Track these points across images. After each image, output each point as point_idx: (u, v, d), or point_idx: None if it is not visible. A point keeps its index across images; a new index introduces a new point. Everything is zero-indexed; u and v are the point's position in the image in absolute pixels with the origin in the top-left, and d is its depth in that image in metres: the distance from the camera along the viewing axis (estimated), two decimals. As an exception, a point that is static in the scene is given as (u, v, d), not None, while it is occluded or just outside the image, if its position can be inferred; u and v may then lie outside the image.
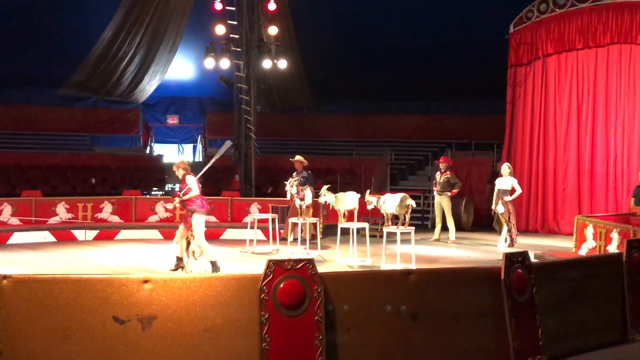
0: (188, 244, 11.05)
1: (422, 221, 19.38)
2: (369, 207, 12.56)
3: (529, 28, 18.57)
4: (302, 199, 13.19)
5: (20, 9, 25.97)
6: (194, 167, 13.07)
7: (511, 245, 14.25)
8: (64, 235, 15.72)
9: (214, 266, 10.82)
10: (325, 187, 12.97)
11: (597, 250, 11.48)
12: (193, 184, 10.85)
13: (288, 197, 13.74)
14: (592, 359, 6.77)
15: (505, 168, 14.74)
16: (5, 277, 5.47)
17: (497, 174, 18.98)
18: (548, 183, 18.02)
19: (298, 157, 14.44)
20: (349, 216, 12.66)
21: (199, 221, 10.83)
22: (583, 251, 12.05)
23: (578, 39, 17.49)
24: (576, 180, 17.51)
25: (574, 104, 17.69)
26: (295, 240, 13.72)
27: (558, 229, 17.60)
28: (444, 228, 15.73)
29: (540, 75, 18.35)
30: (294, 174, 14.21)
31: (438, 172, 15.92)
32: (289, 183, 13.41)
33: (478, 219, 18.83)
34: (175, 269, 11.01)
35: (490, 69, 22.14)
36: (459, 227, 17.03)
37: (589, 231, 11.97)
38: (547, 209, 17.98)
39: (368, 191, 12.85)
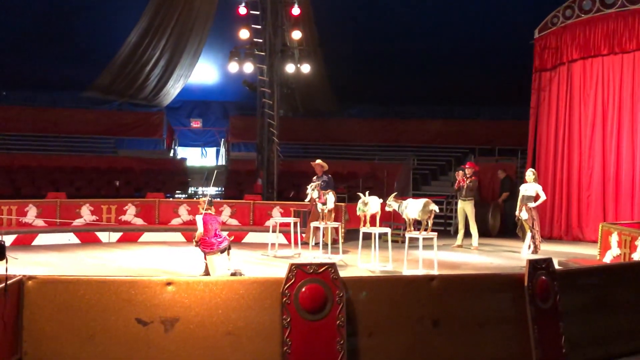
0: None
1: (445, 227, 19.29)
2: (388, 209, 12.50)
3: (554, 33, 18.43)
4: (324, 204, 13.17)
5: (47, 13, 26.27)
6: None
7: (535, 252, 14.10)
8: (88, 237, 15.84)
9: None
10: (392, 195, 12.74)
11: (621, 258, 11.37)
12: (199, 223, 10.95)
13: (307, 200, 13.71)
14: (616, 367, 6.72)
15: (529, 174, 14.60)
16: (30, 278, 5.54)
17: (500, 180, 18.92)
18: (572, 190, 17.85)
19: (318, 161, 14.41)
20: (371, 221, 12.61)
21: (210, 261, 10.89)
22: (607, 259, 11.93)
23: (604, 45, 17.32)
24: (601, 187, 17.32)
25: (599, 110, 17.50)
26: (317, 244, 13.72)
27: (582, 236, 17.42)
28: (467, 234, 15.65)
29: (565, 80, 18.19)
30: (314, 178, 14.20)
31: (464, 177, 15.81)
32: (310, 187, 13.39)
33: (503, 225, 18.70)
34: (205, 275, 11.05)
35: (514, 74, 22.02)
36: (486, 232, 16.96)
37: (614, 238, 11.86)
38: (572, 215, 17.81)
39: (393, 195, 12.73)
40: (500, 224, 18.51)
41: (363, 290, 5.89)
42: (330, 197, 13.15)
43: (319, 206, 13.27)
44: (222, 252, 11.02)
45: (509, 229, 17.95)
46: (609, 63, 17.33)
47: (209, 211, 11.16)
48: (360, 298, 5.82)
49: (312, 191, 13.30)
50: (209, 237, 10.91)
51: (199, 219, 11.00)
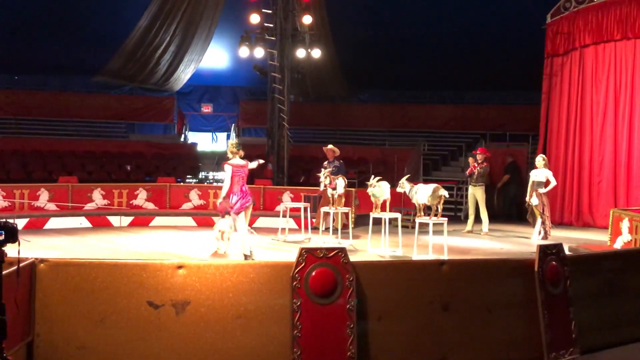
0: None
1: (455, 212, 19.29)
2: (399, 190, 12.49)
3: (567, 18, 18.32)
4: (334, 189, 13.18)
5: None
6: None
7: (545, 237, 14.11)
8: (99, 221, 15.93)
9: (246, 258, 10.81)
10: (405, 177, 12.74)
11: (632, 243, 11.34)
12: (226, 175, 10.73)
13: (322, 188, 13.76)
14: (626, 352, 6.72)
15: (539, 160, 14.58)
16: (42, 260, 5.57)
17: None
18: (583, 175, 17.79)
19: (330, 146, 14.44)
20: (381, 206, 12.61)
21: (236, 218, 10.84)
22: (618, 244, 11.90)
23: (616, 30, 17.20)
24: (612, 173, 17.26)
25: (611, 95, 17.41)
26: (327, 229, 13.75)
27: (593, 222, 17.39)
28: (477, 219, 15.63)
29: (577, 66, 18.10)
30: (325, 163, 14.21)
31: (475, 163, 15.78)
32: (323, 174, 13.44)
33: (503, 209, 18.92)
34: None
35: (525, 59, 21.88)
36: (492, 215, 17.12)
37: (625, 224, 11.83)
38: (582, 201, 17.76)
39: (406, 177, 12.69)
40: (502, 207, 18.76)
41: (373, 278, 5.89)
42: (340, 182, 13.16)
43: (329, 191, 13.29)
44: (247, 208, 10.95)
45: (508, 213, 18.22)
46: (622, 48, 17.22)
47: (237, 160, 10.86)
48: (370, 282, 5.83)
49: (324, 179, 13.34)
50: (234, 192, 10.71)
51: (227, 169, 10.71)
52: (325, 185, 13.39)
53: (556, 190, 16.08)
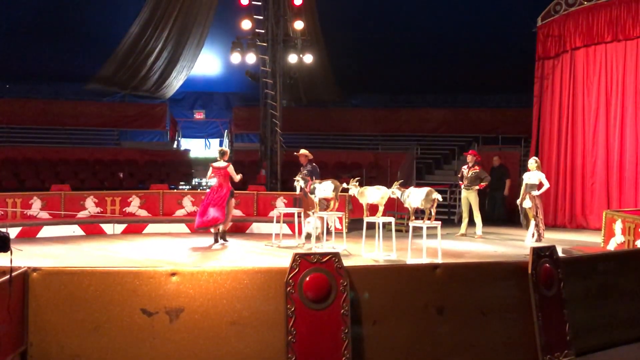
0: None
1: (449, 216, 19.30)
2: (392, 196, 12.46)
3: (557, 21, 18.39)
4: (312, 192, 13.14)
5: (49, 4, 26.22)
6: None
7: (538, 240, 14.13)
8: (92, 229, 15.86)
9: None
10: (396, 182, 12.73)
11: (625, 245, 11.36)
12: (208, 173, 13.33)
13: (297, 191, 13.92)
14: (620, 354, 6.73)
15: (532, 162, 14.60)
16: (35, 269, 5.55)
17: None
18: (576, 177, 17.84)
19: (302, 151, 14.53)
20: (374, 210, 12.57)
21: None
22: (611, 246, 11.92)
23: (607, 32, 17.26)
24: (605, 175, 17.31)
25: (602, 97, 17.47)
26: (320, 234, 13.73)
27: (586, 224, 17.43)
28: (471, 223, 15.64)
29: (568, 68, 18.16)
30: (301, 168, 14.30)
31: (465, 166, 15.79)
32: (296, 179, 13.70)
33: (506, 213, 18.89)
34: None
35: (517, 62, 21.96)
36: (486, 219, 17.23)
37: (618, 226, 11.84)
38: (575, 203, 17.81)
39: (398, 182, 12.67)
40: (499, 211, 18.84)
41: (367, 282, 5.89)
42: (328, 186, 12.94)
43: (311, 195, 13.30)
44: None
45: (504, 216, 18.24)
46: (612, 50, 17.28)
47: (219, 162, 13.15)
48: (364, 298, 5.83)
49: (297, 183, 13.65)
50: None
51: (209, 169, 13.36)
52: (301, 189, 13.57)
53: (549, 192, 16.11)
